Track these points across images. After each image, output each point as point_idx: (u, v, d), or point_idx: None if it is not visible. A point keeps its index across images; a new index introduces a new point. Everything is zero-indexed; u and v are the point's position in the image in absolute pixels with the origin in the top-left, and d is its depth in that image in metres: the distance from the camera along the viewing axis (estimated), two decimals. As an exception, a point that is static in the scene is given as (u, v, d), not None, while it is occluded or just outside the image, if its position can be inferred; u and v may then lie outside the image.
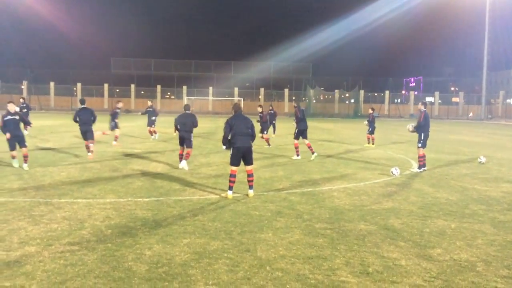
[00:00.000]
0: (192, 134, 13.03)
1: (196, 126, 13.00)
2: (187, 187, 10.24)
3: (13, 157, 12.24)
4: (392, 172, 12.49)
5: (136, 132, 26.34)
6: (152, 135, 22.10)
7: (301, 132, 15.76)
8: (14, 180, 10.63)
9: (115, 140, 19.16)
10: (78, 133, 16.00)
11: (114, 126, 19.05)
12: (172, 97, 75.22)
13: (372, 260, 5.86)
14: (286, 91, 73.41)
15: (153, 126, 22.15)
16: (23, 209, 7.95)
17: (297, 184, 11.02)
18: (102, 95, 71.62)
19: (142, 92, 73.50)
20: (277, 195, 9.63)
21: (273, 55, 75.59)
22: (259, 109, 21.23)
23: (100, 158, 14.78)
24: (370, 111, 21.94)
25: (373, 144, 21.00)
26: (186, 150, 13.01)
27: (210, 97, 69.77)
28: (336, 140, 24.64)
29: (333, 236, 6.84)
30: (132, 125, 33.00)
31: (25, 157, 12.15)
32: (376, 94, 77.07)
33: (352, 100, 74.54)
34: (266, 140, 19.81)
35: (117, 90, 73.13)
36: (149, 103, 23.03)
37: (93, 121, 14.87)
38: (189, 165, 13.11)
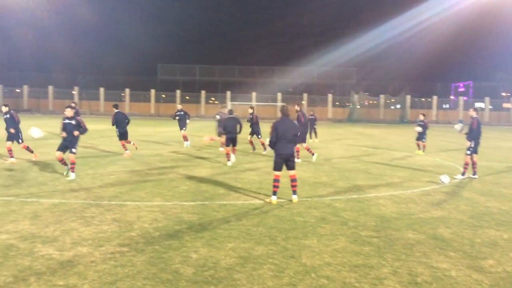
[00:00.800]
0: (237, 135, 15.12)
1: (241, 127, 15.05)
2: (231, 192, 10.33)
3: (61, 161, 11.93)
4: (441, 180, 12.14)
5: (181, 137, 26.81)
6: (186, 140, 21.04)
7: (305, 136, 16.34)
8: (66, 182, 11.06)
9: (222, 146, 18.76)
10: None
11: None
12: (216, 102, 76.12)
13: (420, 270, 5.71)
14: (330, 96, 72.84)
15: (183, 129, 21.08)
16: (75, 210, 8.27)
17: (341, 190, 10.90)
18: (149, 100, 73.54)
19: (187, 97, 74.86)
20: (321, 201, 9.56)
21: (316, 60, 75.13)
22: (250, 110, 19.42)
23: (147, 162, 15.15)
24: (422, 117, 20.80)
25: (423, 151, 20.34)
26: (232, 148, 15.17)
27: (254, 103, 70.09)
28: (382, 146, 24.19)
29: (380, 244, 6.71)
30: (177, 130, 33.60)
31: (72, 164, 11.76)
32: (423, 99, 75.14)
33: (398, 106, 73.03)
34: (262, 144, 18.74)
35: (163, 96, 74.84)
36: (179, 106, 21.81)
37: (127, 123, 16.92)
38: (232, 170, 13.59)
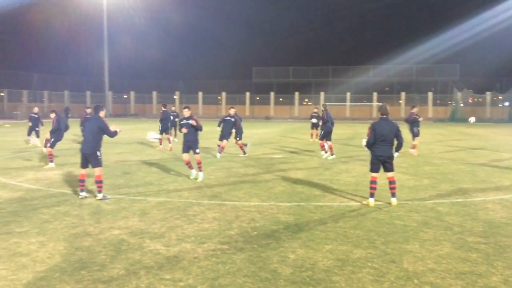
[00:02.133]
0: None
1: (333, 124, 17.31)
2: (327, 193, 10.27)
3: (188, 164, 12.20)
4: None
5: (275, 139, 27.16)
6: (220, 151, 17.13)
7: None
8: (170, 182, 11.71)
9: (414, 147, 18.41)
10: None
11: (417, 133, 18.33)
12: (309, 103, 75.88)
13: (537, 281, 5.25)
14: (430, 94, 69.09)
15: (226, 140, 16.97)
16: (179, 208, 8.74)
17: (444, 193, 10.35)
18: (244, 103, 75.36)
19: (281, 99, 75.52)
20: (423, 205, 9.15)
21: (415, 56, 71.70)
22: (231, 112, 17.63)
23: (243, 163, 15.54)
24: None
25: None
26: (328, 144, 16.94)
27: (348, 103, 68.96)
28: (489, 147, 22.52)
29: (489, 251, 6.28)
30: (272, 131, 34.10)
31: (199, 164, 12.12)
32: (535, 96, 68.54)
33: (507, 103, 67.38)
34: (240, 148, 17.59)
35: (257, 98, 76.21)
36: (232, 111, 17.25)
37: (171, 120, 20.18)
38: (327, 172, 13.61)
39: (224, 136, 16.93)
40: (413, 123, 18.34)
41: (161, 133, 19.31)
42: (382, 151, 8.95)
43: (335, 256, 6.04)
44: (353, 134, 32.47)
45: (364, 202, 9.21)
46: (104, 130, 9.59)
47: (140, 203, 9.22)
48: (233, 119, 16.86)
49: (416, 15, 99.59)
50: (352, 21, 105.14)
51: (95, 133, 9.52)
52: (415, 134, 18.36)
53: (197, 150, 12.11)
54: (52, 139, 14.44)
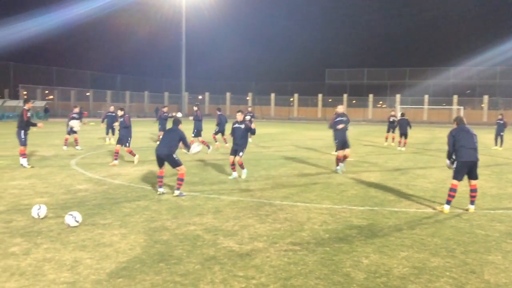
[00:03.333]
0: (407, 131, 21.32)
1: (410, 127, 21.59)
2: (403, 199, 9.96)
3: (232, 166, 12.42)
4: None
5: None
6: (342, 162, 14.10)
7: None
8: (242, 182, 11.91)
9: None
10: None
11: None
12: (384, 106, 73.91)
13: None
14: (516, 97, 64.76)
15: (348, 148, 14.04)
16: (251, 208, 8.87)
17: (532, 204, 9.68)
18: (316, 105, 74.95)
19: (354, 101, 74.23)
20: (507, 214, 8.61)
21: (498, 57, 67.28)
22: (195, 108, 20.44)
23: (315, 165, 15.45)
24: None
25: None
26: (404, 140, 20.98)
27: (425, 106, 66.33)
28: None
29: None
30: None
31: (240, 165, 12.36)
32: None
33: None
34: (202, 142, 18.32)
35: (330, 100, 75.41)
36: (340, 108, 14.46)
37: (226, 122, 20.31)
38: (403, 176, 13.28)
39: (343, 143, 13.81)
40: None
41: (216, 134, 20.70)
42: (468, 156, 8.58)
43: (411, 264, 5.85)
44: (431, 138, 31.20)
45: (439, 208, 8.85)
46: (183, 140, 10.06)
47: (214, 201, 9.47)
48: (344, 118, 13.83)
49: (498, 13, 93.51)
50: (430, 20, 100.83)
51: (176, 141, 9.96)
52: None
53: (241, 154, 12.25)
54: (129, 138, 15.28)
